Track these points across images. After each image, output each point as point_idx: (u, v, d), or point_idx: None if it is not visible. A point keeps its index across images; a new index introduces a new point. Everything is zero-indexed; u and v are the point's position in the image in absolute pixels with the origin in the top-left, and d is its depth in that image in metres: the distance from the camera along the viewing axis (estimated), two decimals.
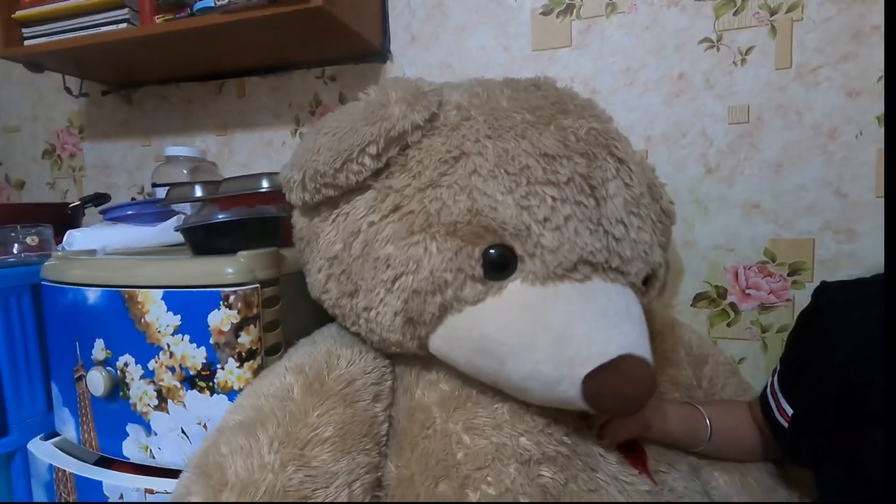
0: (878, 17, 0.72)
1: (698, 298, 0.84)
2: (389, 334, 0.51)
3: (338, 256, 0.52)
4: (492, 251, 0.47)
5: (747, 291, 0.82)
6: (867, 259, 0.76)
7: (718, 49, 0.79)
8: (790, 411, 0.54)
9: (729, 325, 0.83)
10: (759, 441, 0.60)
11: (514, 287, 0.47)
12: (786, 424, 0.54)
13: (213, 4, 0.80)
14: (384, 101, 0.49)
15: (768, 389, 0.58)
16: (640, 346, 0.44)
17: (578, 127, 0.50)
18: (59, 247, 0.81)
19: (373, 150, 0.48)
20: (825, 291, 0.54)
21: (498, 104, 0.51)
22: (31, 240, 0.81)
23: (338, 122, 0.50)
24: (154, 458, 0.59)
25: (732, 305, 0.83)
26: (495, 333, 0.46)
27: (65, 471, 0.63)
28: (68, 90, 1.08)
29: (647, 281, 0.53)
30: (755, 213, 0.80)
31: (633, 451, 0.54)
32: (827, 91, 0.76)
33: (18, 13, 0.91)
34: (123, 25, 0.87)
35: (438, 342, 0.50)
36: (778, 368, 0.58)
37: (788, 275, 0.80)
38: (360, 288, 0.51)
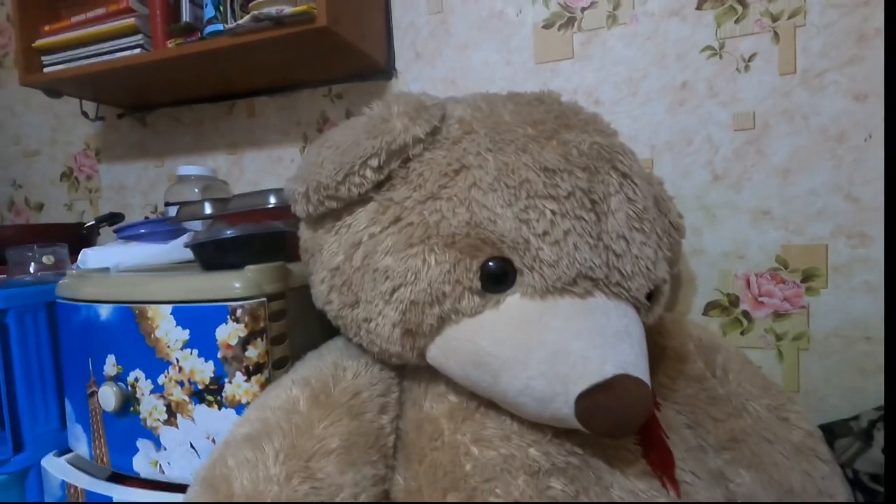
0: (881, 20, 0.72)
1: (710, 307, 0.83)
2: (389, 345, 0.51)
3: (339, 268, 0.52)
4: (490, 263, 0.46)
5: (760, 299, 0.81)
6: (882, 264, 0.74)
7: (721, 57, 0.80)
8: None
9: (742, 333, 0.82)
10: None
11: (513, 301, 0.47)
12: None
13: (222, 28, 0.83)
14: (386, 115, 0.50)
15: None
16: (636, 366, 0.43)
17: (581, 141, 0.49)
18: (74, 265, 0.83)
19: (374, 162, 0.48)
20: None
21: (500, 118, 0.51)
22: (48, 259, 0.83)
23: (341, 136, 0.51)
24: (164, 472, 0.60)
25: (745, 314, 0.81)
26: (490, 346, 0.46)
27: (76, 487, 0.64)
28: (85, 114, 1.12)
29: (651, 297, 0.52)
30: (765, 219, 0.79)
31: (657, 450, 0.51)
32: (833, 95, 0.75)
33: (38, 42, 0.95)
34: (137, 51, 0.90)
35: (435, 352, 0.50)
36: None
37: (802, 281, 0.78)
38: (361, 299, 0.51)
